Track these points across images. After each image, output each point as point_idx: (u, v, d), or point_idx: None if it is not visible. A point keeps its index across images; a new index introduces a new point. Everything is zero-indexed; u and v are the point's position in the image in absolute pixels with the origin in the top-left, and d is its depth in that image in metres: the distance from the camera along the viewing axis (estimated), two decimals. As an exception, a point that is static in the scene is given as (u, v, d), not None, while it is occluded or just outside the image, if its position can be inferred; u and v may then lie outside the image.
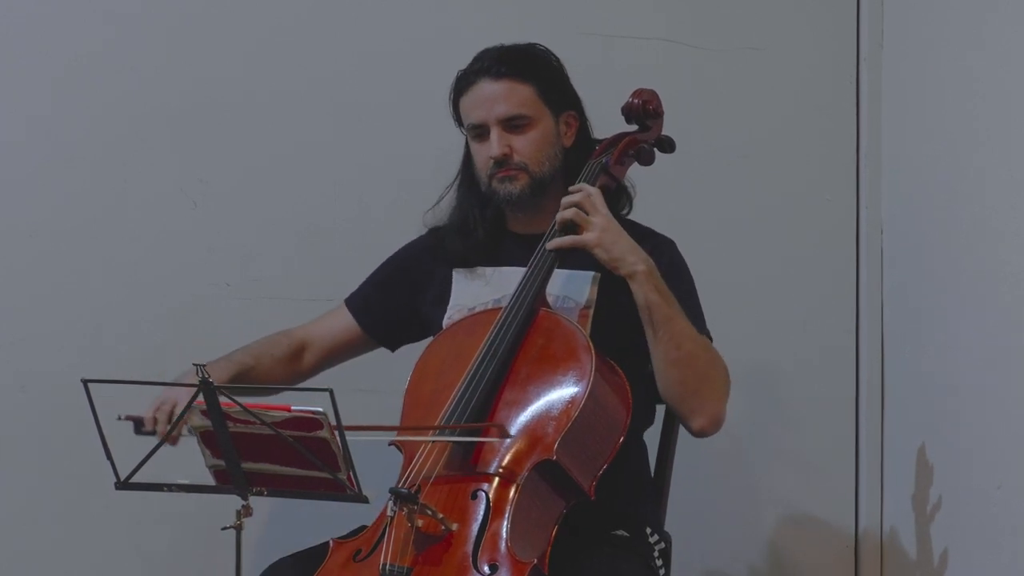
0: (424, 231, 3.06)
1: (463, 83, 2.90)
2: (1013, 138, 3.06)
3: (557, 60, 2.94)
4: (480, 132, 2.88)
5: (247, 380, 2.91)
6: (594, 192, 2.81)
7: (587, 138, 2.95)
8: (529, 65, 2.88)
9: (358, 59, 3.51)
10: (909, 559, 3.47)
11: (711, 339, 2.89)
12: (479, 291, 2.92)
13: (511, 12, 3.54)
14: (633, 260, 2.77)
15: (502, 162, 2.86)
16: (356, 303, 3.06)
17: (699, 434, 2.83)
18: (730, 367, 3.52)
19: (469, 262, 2.96)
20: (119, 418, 2.59)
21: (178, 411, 2.60)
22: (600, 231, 2.77)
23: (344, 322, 3.05)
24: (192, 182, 3.46)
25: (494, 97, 2.85)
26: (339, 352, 3.06)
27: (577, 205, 2.78)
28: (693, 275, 2.96)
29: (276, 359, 2.99)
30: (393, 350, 3.08)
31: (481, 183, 2.91)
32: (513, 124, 2.86)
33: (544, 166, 2.88)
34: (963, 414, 3.26)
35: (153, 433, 2.68)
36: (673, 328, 2.76)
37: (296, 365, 3.02)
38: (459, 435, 2.64)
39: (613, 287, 2.85)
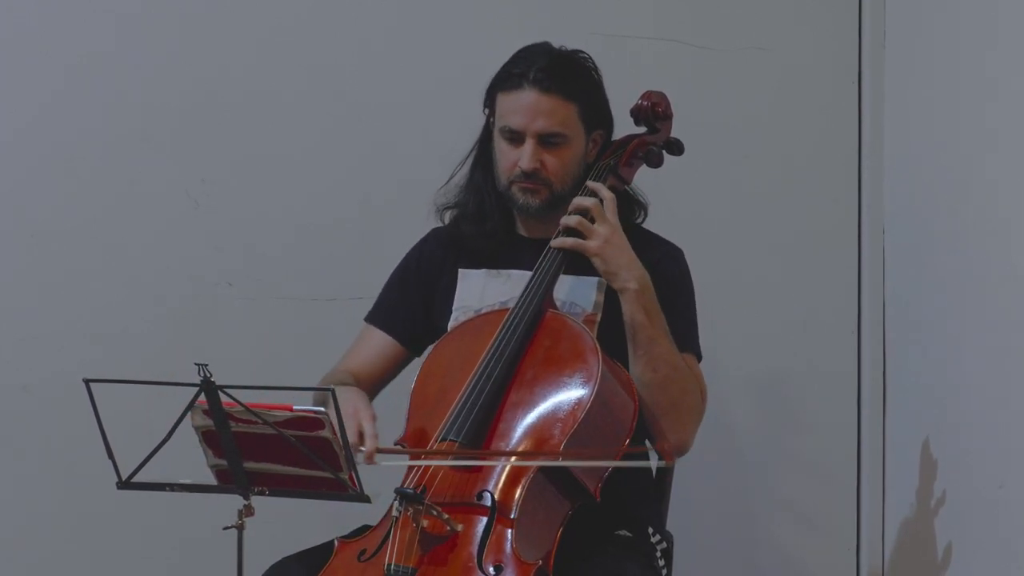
0: (431, 214, 3.03)
1: (509, 82, 2.86)
2: (1015, 138, 3.06)
3: (598, 73, 2.92)
4: (514, 137, 2.86)
5: None
6: (608, 199, 2.82)
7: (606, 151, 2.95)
8: (577, 82, 2.86)
9: (360, 58, 3.51)
10: (911, 559, 3.47)
11: (700, 357, 2.90)
12: (485, 292, 2.92)
13: (515, 11, 3.54)
14: (626, 276, 2.77)
15: (530, 175, 2.85)
16: (384, 319, 3.01)
17: (662, 456, 2.84)
18: (732, 368, 3.54)
19: (476, 263, 2.95)
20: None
21: (364, 423, 2.62)
22: (602, 241, 2.78)
23: (381, 343, 3.00)
24: (194, 182, 3.46)
25: (538, 110, 2.82)
26: (387, 376, 2.99)
27: (585, 211, 2.79)
28: (695, 276, 2.95)
29: None
30: (420, 355, 3.03)
31: (499, 181, 2.91)
32: (550, 141, 2.85)
33: (567, 184, 2.87)
34: (965, 414, 3.26)
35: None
36: (653, 350, 2.76)
37: None
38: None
39: (619, 294, 2.85)
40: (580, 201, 2.80)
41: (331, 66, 3.50)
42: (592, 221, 2.78)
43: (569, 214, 2.80)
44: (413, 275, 3.02)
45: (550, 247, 2.80)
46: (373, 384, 2.98)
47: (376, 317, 3.02)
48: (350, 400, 2.72)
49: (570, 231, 2.79)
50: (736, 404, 3.55)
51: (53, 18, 3.41)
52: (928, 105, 3.46)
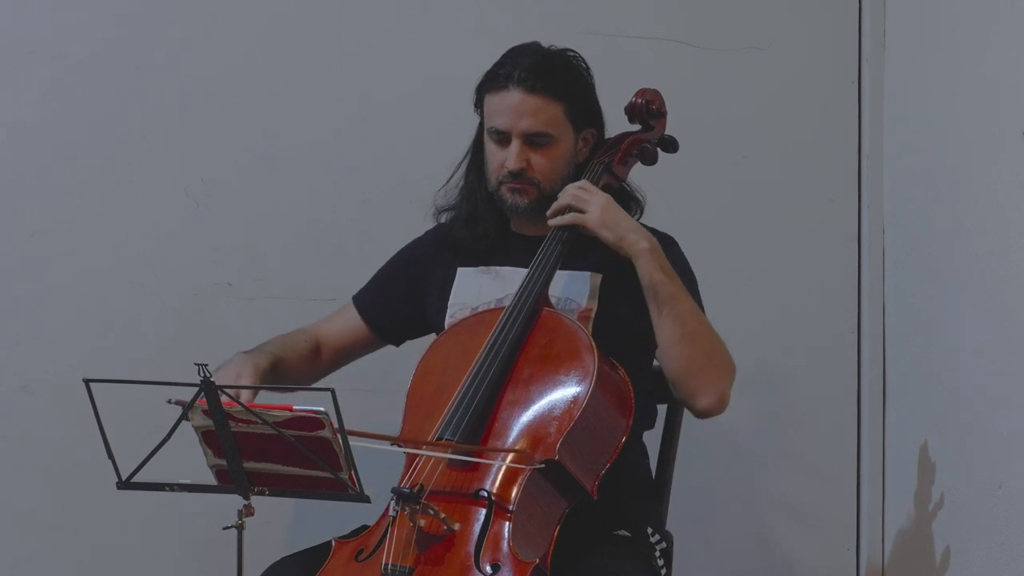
0: (430, 214, 3.04)
1: (494, 82, 2.86)
2: (1015, 137, 3.06)
3: (588, 72, 2.92)
4: (501, 138, 2.87)
5: (280, 371, 2.92)
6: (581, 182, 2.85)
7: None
8: (563, 81, 2.86)
9: (359, 58, 3.51)
10: (911, 559, 3.47)
11: None
12: (482, 290, 2.92)
13: (512, 11, 3.54)
14: (636, 238, 2.78)
15: (517, 175, 2.86)
16: (362, 301, 3.06)
17: (704, 413, 2.81)
18: (732, 367, 3.52)
19: (473, 260, 2.96)
20: (168, 401, 2.60)
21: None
22: (601, 210, 2.79)
23: (352, 321, 3.06)
24: (194, 182, 3.46)
25: (523, 110, 2.83)
26: (350, 350, 3.07)
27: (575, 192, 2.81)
28: (695, 275, 2.96)
29: (299, 355, 2.99)
30: (398, 345, 3.09)
31: (489, 183, 2.92)
32: (536, 141, 2.85)
33: (556, 184, 2.88)
34: (965, 414, 3.26)
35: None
36: (678, 306, 2.76)
37: (316, 363, 3.03)
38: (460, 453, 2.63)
39: (614, 288, 2.86)
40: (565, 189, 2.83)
41: (330, 66, 3.51)
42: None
43: (555, 207, 2.83)
44: (403, 268, 3.04)
45: (548, 247, 2.82)
46: (335, 354, 3.05)
47: (358, 298, 3.07)
48: (233, 365, 2.82)
49: (565, 212, 2.81)
50: (736, 403, 3.51)
51: (53, 18, 3.41)
52: (928, 105, 3.46)
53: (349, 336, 3.05)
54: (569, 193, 2.82)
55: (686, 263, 2.93)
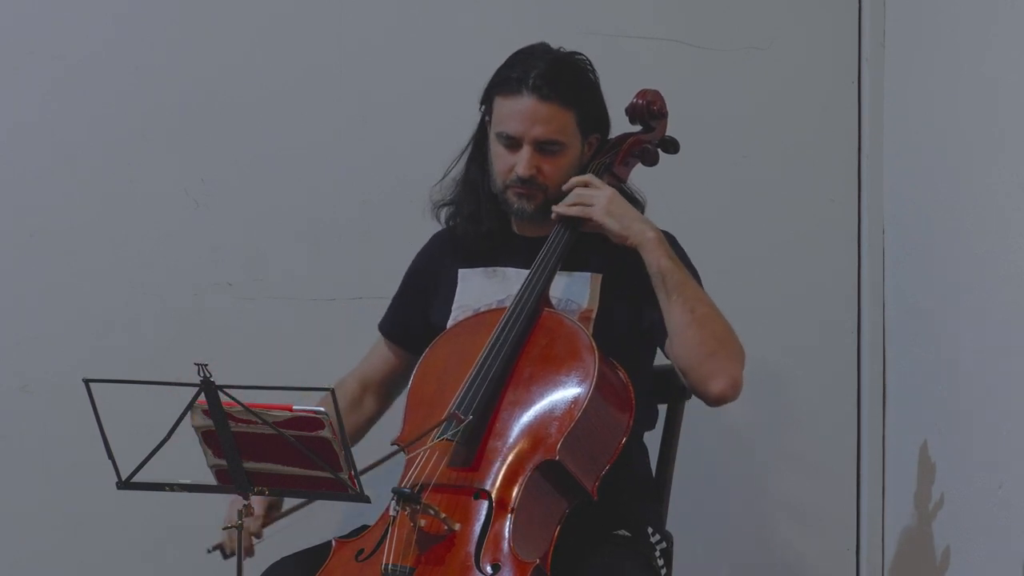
0: (427, 211, 3.04)
1: (507, 86, 2.85)
2: (1016, 137, 3.06)
3: (596, 76, 2.92)
4: (511, 143, 2.86)
5: None
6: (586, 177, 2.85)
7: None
8: (575, 89, 2.86)
9: (360, 58, 3.51)
10: (911, 559, 3.47)
11: None
12: (484, 291, 2.92)
13: (512, 11, 3.53)
14: (642, 228, 2.80)
15: (526, 181, 2.86)
16: (386, 327, 3.07)
17: (718, 399, 2.79)
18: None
19: (476, 261, 2.96)
20: (208, 551, 2.62)
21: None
22: (607, 201, 2.80)
23: (383, 349, 3.06)
24: (194, 182, 3.46)
25: (536, 117, 2.83)
26: (396, 380, 3.05)
27: (579, 184, 2.82)
28: (696, 269, 2.96)
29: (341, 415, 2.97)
30: None
31: (494, 184, 2.91)
32: (547, 149, 2.85)
33: (561, 189, 2.88)
34: (965, 414, 3.25)
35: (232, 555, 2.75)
36: (686, 292, 2.77)
37: (359, 412, 3.03)
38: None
39: (614, 288, 2.86)
40: (571, 183, 2.84)
41: (330, 66, 3.50)
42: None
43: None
44: (413, 281, 3.05)
45: (548, 237, 2.82)
46: (383, 388, 3.06)
47: (382, 324, 3.08)
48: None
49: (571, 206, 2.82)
50: (735, 404, 3.53)
51: (53, 18, 3.41)
52: (928, 105, 3.46)
53: (388, 366, 3.06)
54: (575, 186, 2.82)
55: (688, 258, 2.93)
